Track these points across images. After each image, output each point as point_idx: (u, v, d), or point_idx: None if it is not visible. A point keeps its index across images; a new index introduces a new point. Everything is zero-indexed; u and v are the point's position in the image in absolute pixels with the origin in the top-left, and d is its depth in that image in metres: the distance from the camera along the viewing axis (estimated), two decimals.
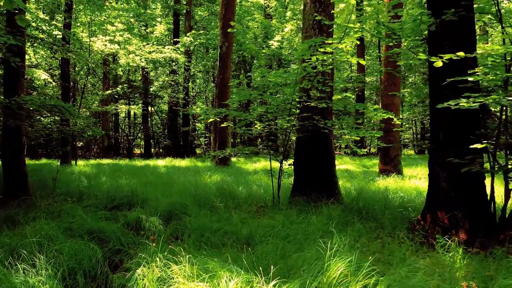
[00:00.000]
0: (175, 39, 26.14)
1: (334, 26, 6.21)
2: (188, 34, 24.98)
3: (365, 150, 8.40)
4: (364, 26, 5.31)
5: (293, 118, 6.82)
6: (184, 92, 27.11)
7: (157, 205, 6.79)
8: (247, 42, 25.22)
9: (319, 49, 6.06)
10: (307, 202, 6.07)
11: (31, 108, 13.15)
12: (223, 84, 16.14)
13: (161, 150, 31.59)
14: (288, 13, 26.82)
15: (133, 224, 5.49)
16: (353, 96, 21.19)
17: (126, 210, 6.82)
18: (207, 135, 32.43)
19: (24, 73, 7.69)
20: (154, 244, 3.66)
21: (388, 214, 5.71)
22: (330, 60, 6.22)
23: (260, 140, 35.68)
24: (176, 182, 9.90)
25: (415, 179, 9.62)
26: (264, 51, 27.98)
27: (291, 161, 7.25)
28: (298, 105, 6.68)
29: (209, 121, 6.74)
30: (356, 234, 4.35)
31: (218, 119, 6.84)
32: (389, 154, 11.15)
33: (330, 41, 6.12)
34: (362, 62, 6.59)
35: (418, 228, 5.11)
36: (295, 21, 24.90)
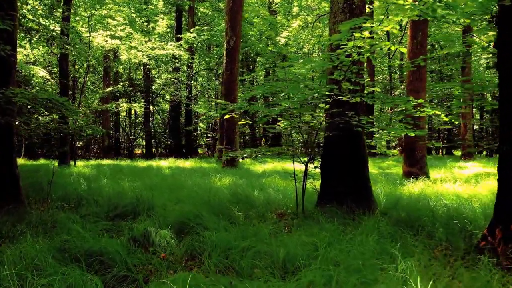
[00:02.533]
0: (178, 36, 25.26)
1: (377, 3, 5.36)
2: (191, 30, 24.09)
3: (396, 151, 7.53)
4: (416, 2, 4.45)
5: (321, 114, 5.96)
6: (187, 90, 26.21)
7: (166, 214, 5.93)
8: (263, 30, 24.19)
9: (355, 34, 5.21)
10: (345, 212, 5.20)
11: (29, 107, 12.32)
12: (231, 80, 15.26)
13: (162, 150, 30.70)
14: (295, 9, 25.93)
15: (140, 239, 4.62)
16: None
17: (130, 220, 5.96)
18: (209, 134, 31.55)
19: (15, 64, 6.81)
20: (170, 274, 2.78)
21: (440, 227, 4.85)
22: (368, 46, 5.36)
23: (264, 140, 34.79)
24: (183, 185, 9.03)
25: (448, 183, 8.74)
26: (270, 48, 27.08)
27: (317, 163, 6.38)
28: (328, 99, 5.81)
29: (225, 117, 5.86)
30: (426, 258, 3.47)
31: (235, 115, 5.99)
32: (415, 155, 10.26)
33: (369, 24, 5.25)
34: (403, 50, 5.75)
35: (485, 245, 4.25)
36: (303, 16, 24.02)
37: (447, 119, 5.62)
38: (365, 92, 6.75)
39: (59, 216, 5.32)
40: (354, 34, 5.21)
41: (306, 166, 6.26)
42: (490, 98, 21.60)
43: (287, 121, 6.03)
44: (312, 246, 3.69)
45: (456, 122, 5.66)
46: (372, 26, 5.11)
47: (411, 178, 9.75)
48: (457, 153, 31.80)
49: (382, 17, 5.17)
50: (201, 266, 3.92)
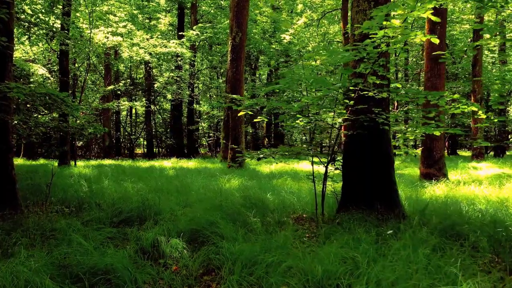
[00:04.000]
0: (180, 33, 24.72)
1: None
2: (194, 28, 23.55)
3: (418, 151, 7.05)
4: None
5: (345, 111, 5.47)
6: (189, 89, 25.67)
7: (175, 220, 5.45)
8: (266, 28, 23.52)
9: (385, 23, 4.74)
10: (376, 219, 4.70)
11: (28, 105, 11.80)
12: (236, 78, 14.75)
13: (163, 150, 30.17)
14: (299, 6, 25.42)
15: (149, 250, 4.13)
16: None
17: (136, 226, 5.47)
18: (211, 134, 31.01)
19: (12, 57, 6.32)
20: None
21: (481, 236, 4.35)
22: (399, 36, 4.88)
23: (267, 140, 34.22)
24: (190, 187, 8.54)
25: (473, 185, 8.22)
26: (273, 46, 26.55)
27: (338, 164, 5.89)
28: (353, 95, 5.32)
29: (240, 114, 5.35)
30: (492, 281, 2.97)
31: (250, 112, 5.49)
32: (433, 155, 9.73)
33: (400, 11, 4.77)
34: (435, 40, 5.24)
35: None
36: (309, 13, 23.49)
37: (484, 116, 5.14)
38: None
39: (59, 224, 4.82)
40: (383, 22, 4.74)
41: (327, 167, 5.76)
42: (497, 95, 21.09)
43: (307, 118, 5.52)
44: (351, 261, 3.20)
45: (496, 120, 5.16)
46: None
47: (430, 180, 9.23)
48: (461, 153, 31.26)
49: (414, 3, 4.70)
50: (220, 282, 3.44)
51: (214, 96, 32.39)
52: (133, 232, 5.13)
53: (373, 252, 3.30)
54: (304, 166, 14.66)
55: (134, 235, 4.54)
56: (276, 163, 14.05)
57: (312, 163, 5.96)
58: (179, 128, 26.62)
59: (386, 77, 5.53)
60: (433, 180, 8.95)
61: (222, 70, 29.44)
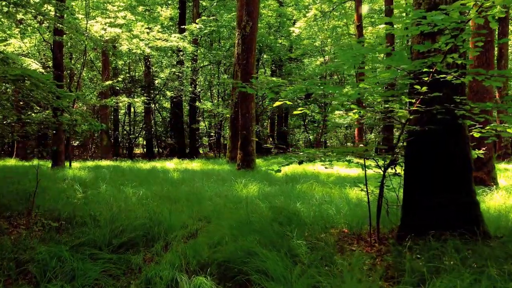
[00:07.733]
0: (182, 27, 23.37)
1: None
2: (197, 21, 22.23)
3: (481, 151, 5.80)
4: None
5: (414, 100, 4.21)
6: (192, 86, 24.32)
7: (194, 243, 4.18)
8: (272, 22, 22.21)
9: None
10: (459, 242, 3.44)
11: (20, 102, 10.60)
12: (246, 72, 13.44)
13: (163, 150, 28.82)
14: None
15: None
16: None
17: (142, 249, 4.21)
18: (212, 134, 29.67)
19: None
20: None
21: None
22: None
23: (271, 139, 32.87)
24: (203, 195, 7.27)
25: None
26: (279, 41, 25.25)
27: (399, 168, 4.64)
28: (426, 78, 4.06)
29: (275, 105, 4.07)
30: None
31: (288, 103, 4.23)
32: (482, 157, 8.48)
33: None
34: None
35: None
36: (319, 5, 22.21)
37: None
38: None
39: (37, 253, 3.53)
40: None
41: (385, 172, 4.51)
42: None
43: (362, 110, 4.25)
44: None
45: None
46: None
47: (478, 185, 7.96)
48: None
49: None
50: None
51: (216, 95, 31.01)
52: (139, 259, 3.88)
53: None
54: (319, 167, 13.38)
55: (142, 270, 3.26)
56: (268, 162, 12.73)
57: (364, 166, 4.70)
58: (180, 127, 25.29)
59: (466, 55, 4.29)
60: (486, 186, 7.68)
61: (226, 66, 28.13)
